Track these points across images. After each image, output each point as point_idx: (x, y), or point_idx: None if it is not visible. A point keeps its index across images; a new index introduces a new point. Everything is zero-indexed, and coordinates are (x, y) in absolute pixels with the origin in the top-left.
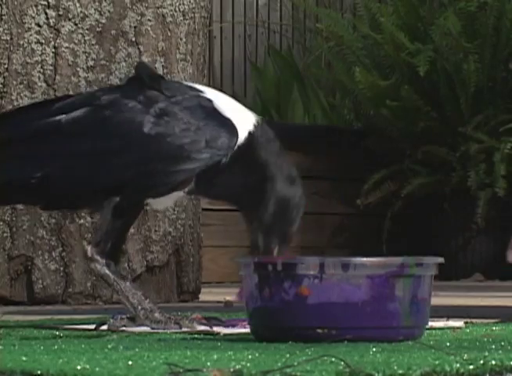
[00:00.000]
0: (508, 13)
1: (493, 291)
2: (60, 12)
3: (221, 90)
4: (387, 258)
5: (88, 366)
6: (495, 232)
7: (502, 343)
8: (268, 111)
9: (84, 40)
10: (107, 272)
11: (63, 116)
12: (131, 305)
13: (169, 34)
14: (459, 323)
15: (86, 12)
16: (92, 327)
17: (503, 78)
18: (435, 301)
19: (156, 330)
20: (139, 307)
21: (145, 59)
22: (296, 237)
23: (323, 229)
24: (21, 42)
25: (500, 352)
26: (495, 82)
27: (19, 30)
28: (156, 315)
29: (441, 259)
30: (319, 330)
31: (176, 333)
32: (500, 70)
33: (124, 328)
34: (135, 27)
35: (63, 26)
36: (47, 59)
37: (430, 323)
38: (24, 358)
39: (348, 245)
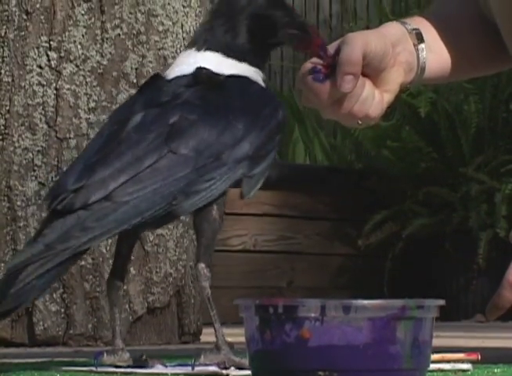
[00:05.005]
0: None
1: (495, 332)
2: (62, 54)
3: None
4: (388, 301)
5: None
6: (496, 273)
7: None
8: None
9: (86, 82)
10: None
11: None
12: (220, 337)
13: None
14: (467, 365)
15: (87, 54)
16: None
17: (504, 119)
18: (436, 342)
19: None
20: (224, 342)
21: None
22: (298, 278)
23: (325, 270)
24: (23, 84)
25: None
26: (496, 123)
27: (21, 72)
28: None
29: (442, 302)
30: (321, 373)
31: (179, 374)
32: (501, 110)
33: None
34: (136, 69)
35: (65, 68)
36: (48, 100)
37: (438, 366)
38: None
39: (350, 286)
